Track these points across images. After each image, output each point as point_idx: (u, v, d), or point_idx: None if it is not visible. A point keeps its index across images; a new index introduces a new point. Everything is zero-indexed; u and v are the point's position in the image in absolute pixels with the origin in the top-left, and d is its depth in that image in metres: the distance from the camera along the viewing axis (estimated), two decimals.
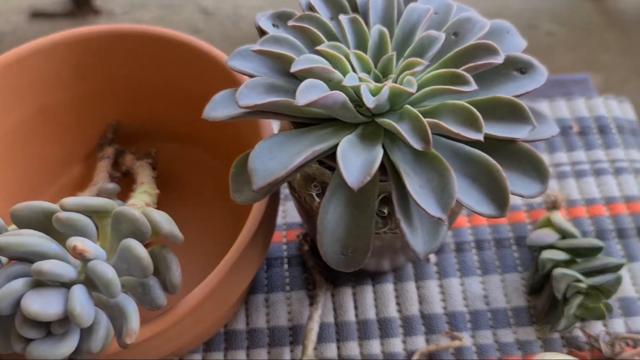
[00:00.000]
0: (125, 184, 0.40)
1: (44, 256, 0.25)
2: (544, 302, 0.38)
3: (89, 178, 0.41)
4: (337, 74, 0.26)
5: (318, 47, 0.27)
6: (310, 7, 0.30)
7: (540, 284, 0.38)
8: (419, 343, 0.37)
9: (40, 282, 0.25)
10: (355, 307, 0.39)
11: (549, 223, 0.40)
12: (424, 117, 0.25)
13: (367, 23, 0.29)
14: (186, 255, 0.34)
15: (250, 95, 0.26)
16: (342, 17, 0.29)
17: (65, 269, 0.24)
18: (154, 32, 0.39)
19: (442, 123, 0.25)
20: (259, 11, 0.30)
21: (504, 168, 0.25)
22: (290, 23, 0.28)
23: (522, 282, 0.39)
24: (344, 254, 0.26)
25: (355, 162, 0.24)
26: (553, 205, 0.41)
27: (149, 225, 0.27)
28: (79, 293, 0.24)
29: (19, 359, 0.26)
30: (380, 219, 0.29)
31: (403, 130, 0.25)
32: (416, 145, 0.24)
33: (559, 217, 0.40)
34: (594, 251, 0.37)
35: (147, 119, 0.43)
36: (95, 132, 0.43)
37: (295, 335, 0.38)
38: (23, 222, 0.27)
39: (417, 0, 0.30)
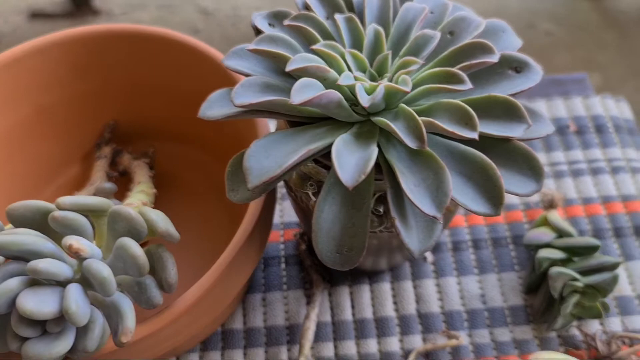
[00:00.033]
0: (122, 184, 0.40)
1: (39, 255, 0.25)
2: (540, 301, 0.38)
3: (87, 178, 0.41)
4: (333, 73, 0.26)
5: (313, 46, 0.27)
6: (306, 7, 0.30)
7: (537, 283, 0.38)
8: (416, 342, 0.37)
9: (36, 281, 0.25)
10: (353, 306, 0.39)
11: (545, 222, 0.40)
12: (419, 116, 0.25)
13: (362, 22, 0.29)
14: (183, 254, 0.34)
15: (245, 94, 0.26)
16: (338, 17, 0.29)
17: (60, 268, 0.24)
18: (150, 31, 0.39)
19: (436, 122, 0.25)
20: (258, 12, 0.30)
21: (499, 167, 0.25)
22: (286, 22, 0.29)
23: (519, 281, 0.39)
24: (339, 253, 0.26)
25: (350, 160, 0.24)
26: (550, 205, 0.41)
27: (144, 224, 0.27)
28: (74, 292, 0.24)
29: (15, 358, 0.26)
30: (376, 217, 0.29)
31: (398, 129, 0.25)
32: (411, 144, 0.24)
33: (556, 216, 0.40)
34: (590, 250, 0.37)
35: (144, 118, 0.43)
36: (93, 132, 0.43)
37: (293, 334, 0.38)
38: (19, 221, 0.27)
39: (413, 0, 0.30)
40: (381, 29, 0.29)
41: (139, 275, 0.26)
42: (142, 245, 0.27)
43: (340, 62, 0.27)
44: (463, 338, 0.37)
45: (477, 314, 0.38)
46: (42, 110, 0.40)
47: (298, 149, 0.25)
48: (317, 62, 0.26)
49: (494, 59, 0.27)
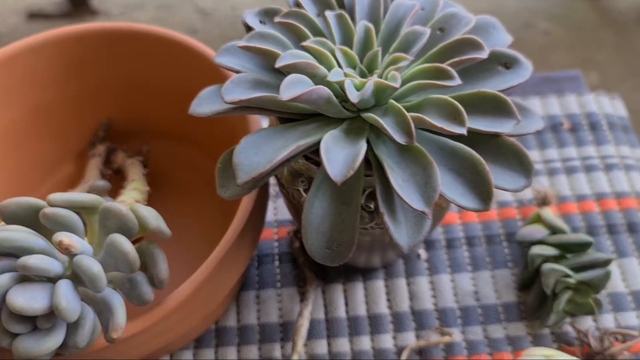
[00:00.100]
0: (116, 182, 0.40)
1: (30, 251, 0.25)
2: (534, 297, 0.38)
3: (81, 176, 0.41)
4: (322, 69, 0.26)
5: (304, 43, 0.27)
6: (297, 4, 0.30)
7: (530, 279, 0.38)
8: (409, 339, 0.37)
9: (26, 277, 0.25)
10: (346, 304, 0.39)
11: (539, 219, 0.40)
12: (408, 112, 0.25)
13: (353, 19, 0.29)
14: (176, 251, 0.34)
15: (235, 91, 0.26)
16: (329, 13, 0.29)
17: (51, 264, 0.25)
18: (145, 30, 0.39)
19: (425, 117, 0.25)
20: None
21: (489, 162, 0.25)
22: (277, 19, 0.29)
23: (512, 278, 0.39)
24: (329, 248, 0.26)
25: (339, 156, 0.24)
26: (543, 202, 0.41)
27: (135, 220, 0.27)
28: (64, 288, 0.24)
29: (6, 355, 0.26)
30: (367, 214, 0.29)
31: (387, 124, 0.25)
32: (400, 139, 0.24)
33: (549, 213, 0.40)
34: (583, 246, 0.37)
35: (139, 117, 0.43)
36: (87, 130, 0.43)
37: (286, 331, 0.38)
38: (11, 218, 0.27)
39: None
40: (371, 26, 0.29)
41: (130, 271, 0.26)
42: (135, 242, 0.27)
43: (330, 59, 0.27)
44: (456, 335, 0.37)
45: (471, 311, 0.38)
46: (37, 109, 0.40)
47: (287, 145, 0.25)
48: (306, 58, 0.26)
49: (484, 55, 0.27)
